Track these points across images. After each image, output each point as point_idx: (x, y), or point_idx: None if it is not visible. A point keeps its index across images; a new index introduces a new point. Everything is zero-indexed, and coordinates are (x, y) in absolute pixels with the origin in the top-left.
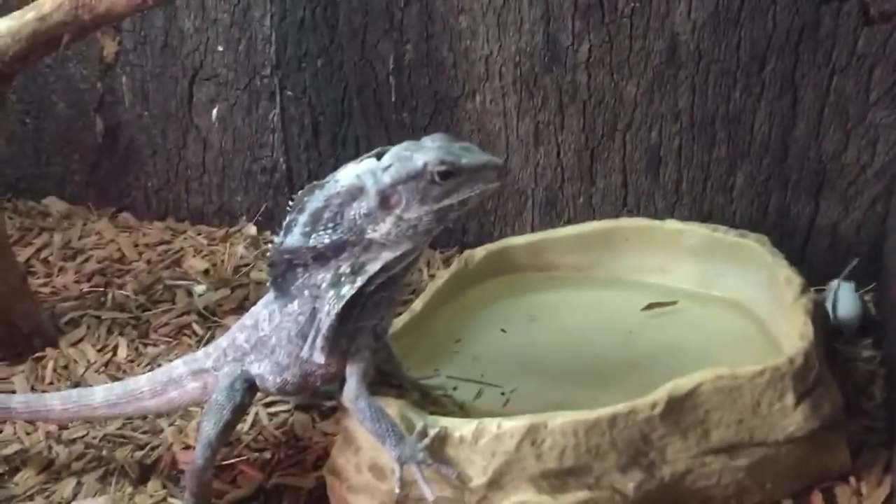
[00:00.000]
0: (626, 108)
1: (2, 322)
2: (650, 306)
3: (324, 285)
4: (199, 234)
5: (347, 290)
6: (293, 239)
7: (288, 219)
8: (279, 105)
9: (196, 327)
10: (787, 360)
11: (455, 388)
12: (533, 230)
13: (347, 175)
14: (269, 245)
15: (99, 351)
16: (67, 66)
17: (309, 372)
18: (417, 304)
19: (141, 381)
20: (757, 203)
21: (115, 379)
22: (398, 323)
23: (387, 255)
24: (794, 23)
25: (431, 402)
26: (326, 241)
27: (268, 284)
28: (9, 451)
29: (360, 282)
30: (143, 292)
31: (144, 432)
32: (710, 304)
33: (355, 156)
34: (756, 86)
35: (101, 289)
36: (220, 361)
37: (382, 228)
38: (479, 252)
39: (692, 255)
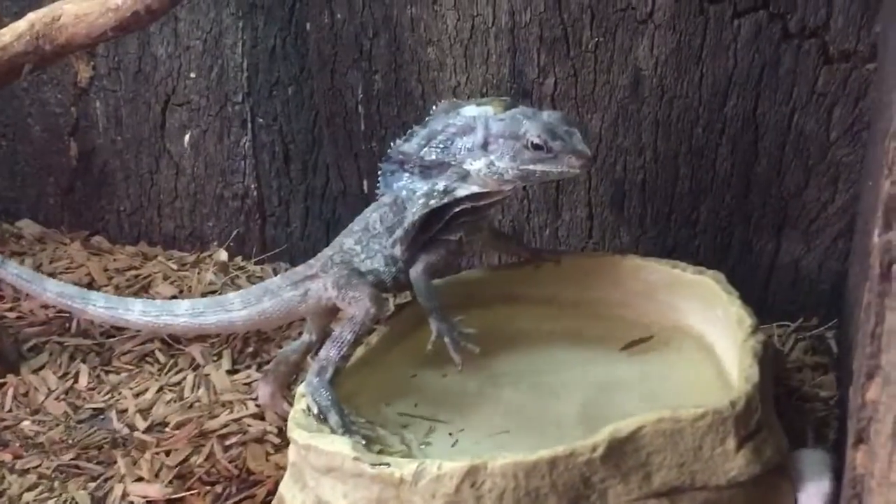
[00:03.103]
0: (591, 142)
1: None
2: (630, 345)
3: (419, 193)
4: (170, 260)
5: (435, 203)
6: (409, 146)
7: (412, 129)
8: (251, 132)
9: (159, 354)
10: (729, 404)
11: (405, 427)
12: (500, 262)
13: (469, 112)
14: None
15: (60, 378)
16: (43, 89)
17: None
18: (373, 338)
19: (231, 294)
20: (720, 238)
21: (74, 408)
22: (356, 354)
23: (474, 188)
24: (756, 60)
25: (380, 444)
26: (433, 157)
27: (378, 175)
28: None
29: (447, 199)
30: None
31: (99, 463)
32: (670, 340)
33: (325, 184)
34: (718, 122)
35: (66, 314)
36: (328, 266)
37: (476, 165)
38: (440, 284)
39: (653, 290)
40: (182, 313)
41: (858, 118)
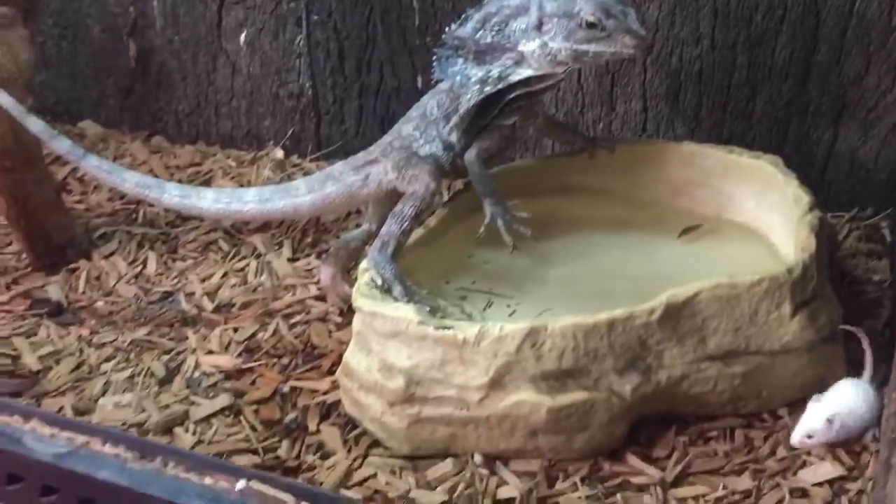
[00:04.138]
0: (647, 29)
1: (37, 233)
2: (685, 231)
3: (473, 79)
4: (228, 158)
5: (490, 89)
6: (464, 30)
7: (466, 13)
8: (305, 30)
9: (222, 243)
10: (786, 271)
11: (465, 299)
12: (552, 153)
13: None
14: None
15: (130, 264)
16: None
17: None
18: (432, 220)
19: (296, 181)
20: (776, 128)
21: (144, 290)
22: (415, 235)
23: (528, 72)
24: None
25: (441, 313)
26: (488, 40)
27: (433, 60)
28: (43, 351)
29: (501, 85)
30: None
31: (171, 338)
32: (723, 227)
33: (380, 81)
34: (779, 8)
35: (133, 206)
36: (388, 151)
37: (530, 46)
38: (494, 172)
39: (707, 176)
40: (250, 200)
41: None
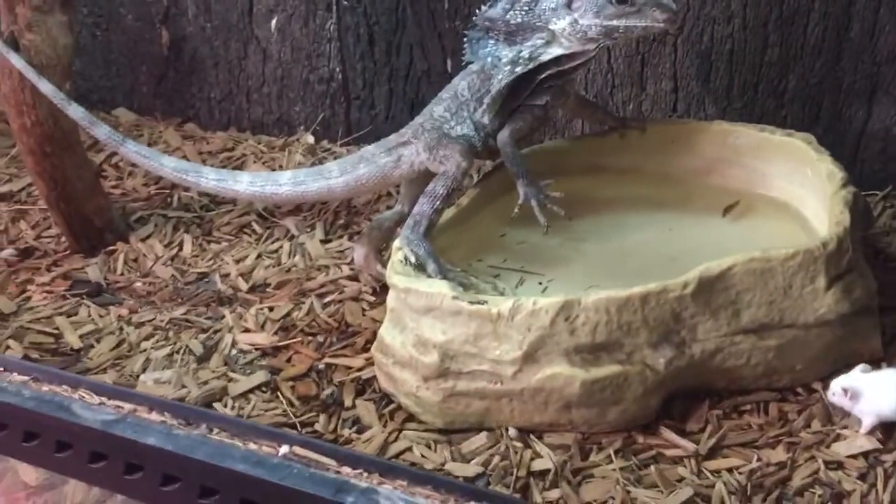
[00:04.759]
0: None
1: (77, 216)
2: (727, 209)
3: (504, 60)
4: (260, 143)
5: (520, 70)
6: (494, 11)
7: None
8: (335, 15)
9: (255, 226)
10: (821, 244)
11: (497, 276)
12: (582, 133)
13: None
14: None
15: (166, 246)
16: None
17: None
18: (464, 200)
19: (329, 164)
20: (809, 107)
21: (180, 272)
22: (447, 215)
23: (558, 51)
24: None
25: (474, 290)
26: (519, 20)
27: (464, 41)
28: (84, 330)
29: (532, 65)
30: (206, 194)
31: (208, 318)
32: (756, 205)
33: (409, 65)
34: None
35: (168, 190)
36: (419, 132)
37: (560, 25)
38: (526, 152)
39: (739, 155)
40: (285, 182)
41: None
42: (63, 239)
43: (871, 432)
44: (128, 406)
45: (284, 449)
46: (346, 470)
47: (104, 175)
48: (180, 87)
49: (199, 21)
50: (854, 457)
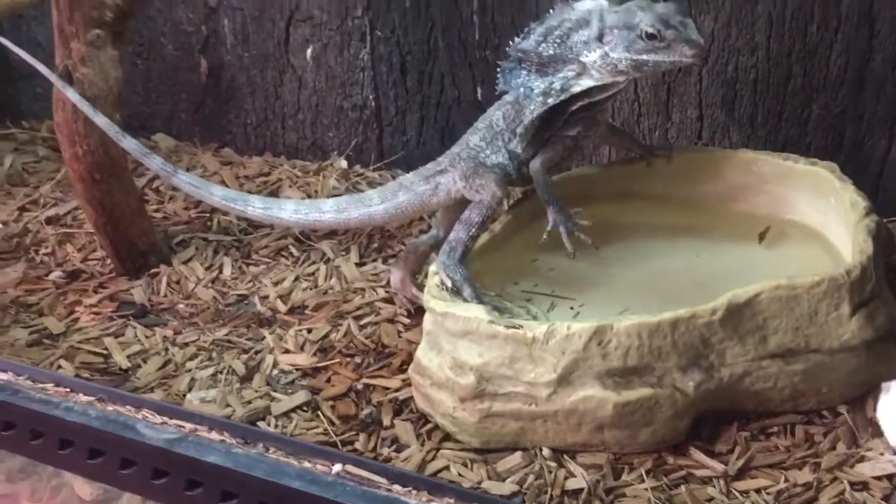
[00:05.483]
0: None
1: (123, 240)
2: (762, 235)
3: (537, 91)
4: (294, 168)
5: (553, 101)
6: (528, 43)
7: (529, 27)
8: (369, 45)
9: (293, 249)
10: (845, 272)
11: (530, 300)
12: (609, 160)
13: (584, 6)
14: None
15: (207, 269)
16: (175, 10)
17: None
18: (497, 226)
19: (369, 192)
20: (831, 136)
21: (221, 294)
22: (481, 240)
23: (589, 83)
24: None
25: (508, 314)
26: (551, 52)
27: (498, 72)
28: (131, 350)
29: (563, 97)
30: (245, 218)
31: (249, 339)
32: (782, 231)
33: (440, 93)
34: (833, 19)
35: (207, 214)
36: (456, 161)
37: (591, 57)
38: (556, 179)
39: (764, 182)
40: (328, 210)
41: None
42: (108, 262)
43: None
44: (189, 426)
45: (337, 467)
46: (397, 488)
47: (145, 199)
48: (218, 114)
49: (237, 50)
50: (879, 478)
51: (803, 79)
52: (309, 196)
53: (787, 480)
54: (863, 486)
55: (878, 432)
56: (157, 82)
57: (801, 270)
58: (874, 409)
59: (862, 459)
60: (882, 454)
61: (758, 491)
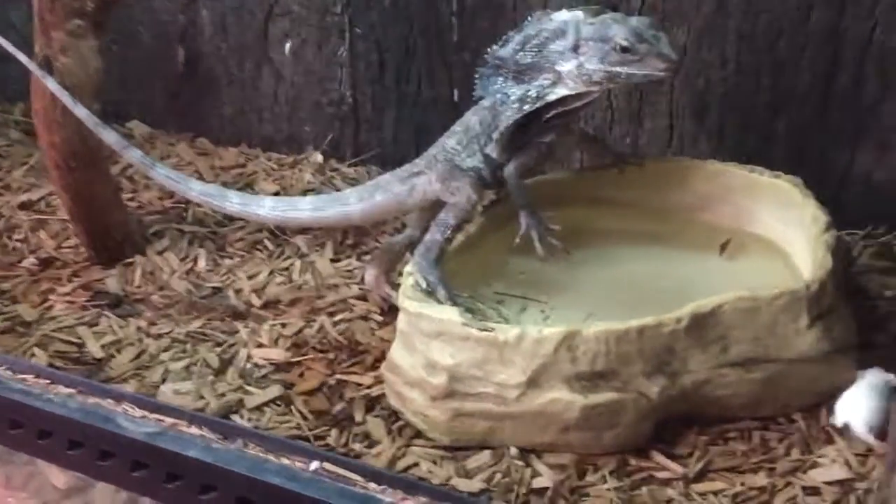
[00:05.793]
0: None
1: (98, 229)
2: (723, 247)
3: (513, 97)
4: (270, 160)
5: (528, 108)
6: (505, 51)
7: (507, 35)
8: (348, 42)
9: (268, 243)
10: (804, 286)
11: (501, 302)
12: (581, 166)
13: (561, 17)
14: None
15: (182, 260)
16: None
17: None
18: (471, 228)
19: (347, 191)
20: (796, 149)
21: (195, 285)
22: (455, 241)
23: (564, 91)
24: None
25: (480, 316)
26: (528, 60)
27: (475, 78)
28: (105, 340)
29: (539, 104)
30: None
31: (223, 332)
32: (746, 242)
33: (417, 93)
34: (801, 35)
35: (183, 205)
36: (432, 163)
37: (567, 67)
38: (529, 183)
39: (730, 194)
40: (305, 208)
41: None
42: (82, 250)
43: (847, 462)
44: (169, 420)
45: (315, 465)
46: (372, 486)
47: (119, 187)
48: (194, 104)
49: (216, 41)
50: (830, 483)
51: (771, 93)
52: (284, 189)
53: (743, 484)
54: (814, 491)
55: (830, 440)
56: (132, 70)
57: (759, 282)
58: (828, 418)
59: (815, 465)
60: (834, 461)
61: (715, 493)
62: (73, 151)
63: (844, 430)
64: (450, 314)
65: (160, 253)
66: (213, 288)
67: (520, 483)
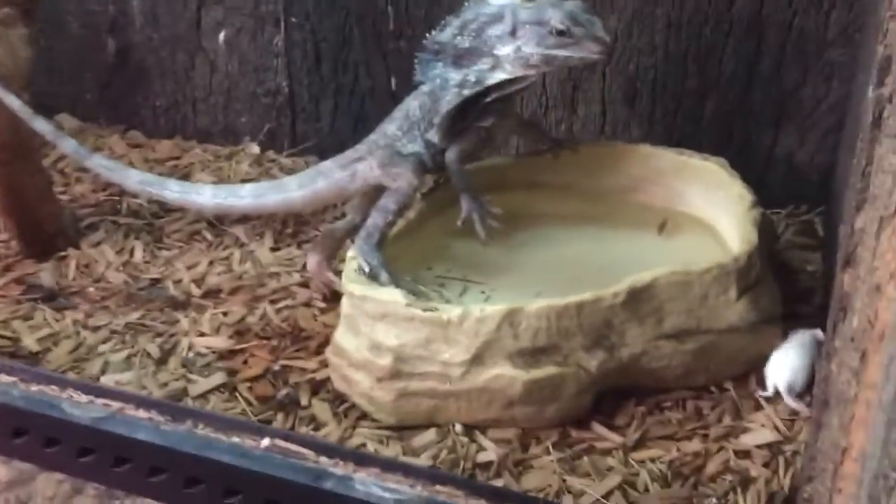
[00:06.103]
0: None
1: (30, 222)
2: (661, 227)
3: (452, 82)
4: (206, 152)
5: (468, 92)
6: (444, 35)
7: (446, 19)
8: (283, 31)
9: (206, 233)
10: (733, 259)
11: (443, 285)
12: (517, 152)
13: (497, 2)
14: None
15: (117, 252)
16: None
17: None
18: (411, 213)
19: (287, 178)
20: (722, 132)
21: (133, 277)
22: (396, 225)
23: (502, 75)
24: None
25: (423, 298)
26: (466, 45)
27: (415, 63)
28: (40, 334)
29: (478, 88)
30: (156, 201)
31: (163, 322)
32: (677, 221)
33: (354, 82)
34: (725, 23)
35: (117, 197)
36: (373, 149)
37: (504, 50)
38: (469, 168)
39: (661, 175)
40: (246, 195)
41: (853, 21)
42: (13, 243)
43: (775, 426)
44: (116, 404)
45: (266, 441)
46: (324, 459)
47: (50, 181)
48: (125, 95)
49: (146, 31)
50: (760, 447)
51: (698, 79)
52: (221, 181)
53: (678, 450)
54: (745, 454)
55: (759, 406)
56: (61, 61)
57: (692, 258)
58: (757, 386)
59: (745, 431)
60: (763, 426)
61: (653, 460)
62: (4, 143)
63: (774, 394)
64: (394, 296)
65: (95, 245)
66: (152, 279)
67: (465, 458)
